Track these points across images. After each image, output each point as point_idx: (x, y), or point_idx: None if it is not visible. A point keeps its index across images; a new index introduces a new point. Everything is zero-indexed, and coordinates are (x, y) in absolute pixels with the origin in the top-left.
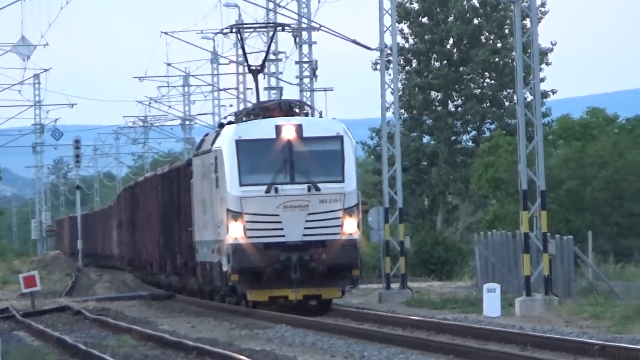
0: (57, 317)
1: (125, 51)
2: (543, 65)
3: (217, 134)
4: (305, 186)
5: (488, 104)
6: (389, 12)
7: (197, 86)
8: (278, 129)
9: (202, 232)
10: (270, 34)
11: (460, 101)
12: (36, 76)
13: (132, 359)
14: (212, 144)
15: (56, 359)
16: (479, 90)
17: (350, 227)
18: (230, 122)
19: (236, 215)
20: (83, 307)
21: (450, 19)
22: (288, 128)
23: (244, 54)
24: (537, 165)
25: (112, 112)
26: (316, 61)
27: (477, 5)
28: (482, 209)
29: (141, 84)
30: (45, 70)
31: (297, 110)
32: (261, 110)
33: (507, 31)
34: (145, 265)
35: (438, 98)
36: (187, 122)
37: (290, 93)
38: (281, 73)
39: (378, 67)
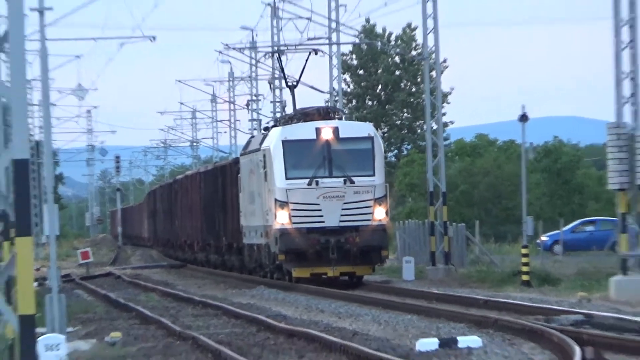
0: (104, 280)
1: (151, 92)
2: (444, 104)
3: (265, 136)
4: (341, 179)
5: (406, 131)
6: (336, 66)
7: (201, 118)
8: (318, 130)
9: (249, 219)
10: (306, 56)
11: (386, 129)
12: (88, 111)
13: (156, 310)
14: (261, 144)
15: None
16: (400, 121)
17: (380, 214)
18: (274, 126)
19: (283, 204)
20: (122, 273)
21: (379, 71)
22: (326, 130)
23: (282, 72)
24: (440, 174)
25: (142, 136)
26: (285, 101)
27: (398, 61)
28: (402, 205)
29: (162, 117)
30: (95, 107)
31: (332, 115)
32: (302, 115)
33: (419, 79)
34: (183, 245)
35: None
36: (194, 144)
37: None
38: (260, 109)
39: (329, 104)
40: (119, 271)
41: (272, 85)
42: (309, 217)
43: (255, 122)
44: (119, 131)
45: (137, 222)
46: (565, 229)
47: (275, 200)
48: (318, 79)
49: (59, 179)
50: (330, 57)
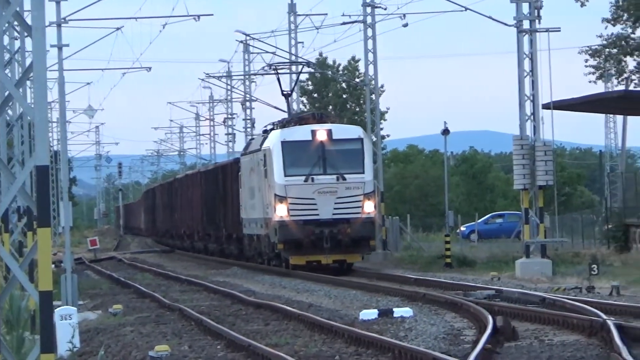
0: (108, 263)
1: (147, 112)
2: (382, 121)
3: (265, 138)
4: (334, 176)
5: None
6: (295, 91)
7: (187, 133)
8: (313, 132)
9: (249, 212)
10: (300, 69)
11: None
12: (96, 127)
13: (150, 287)
14: (261, 145)
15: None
16: None
17: (369, 207)
18: (272, 129)
19: (282, 198)
20: (123, 257)
21: (330, 94)
22: (321, 132)
23: (279, 83)
24: (379, 177)
25: (139, 147)
26: (254, 119)
27: (345, 87)
28: None
29: (156, 131)
30: (102, 123)
31: (325, 119)
32: (298, 119)
33: (362, 101)
34: (182, 235)
35: None
36: (181, 153)
37: (240, 137)
38: (235, 125)
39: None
40: (120, 255)
41: (244, 106)
42: (305, 210)
43: (230, 136)
44: (121, 143)
45: (136, 216)
46: (479, 221)
47: (275, 195)
48: (280, 100)
49: (72, 181)
50: (290, 83)
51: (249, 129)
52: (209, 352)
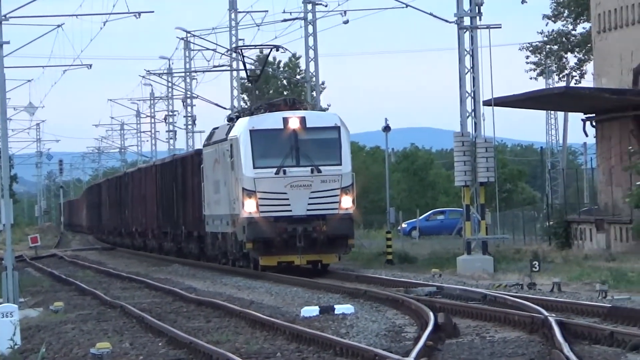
0: (49, 260)
1: (87, 109)
2: None
3: (231, 126)
4: (308, 168)
5: None
6: (236, 87)
7: (128, 130)
8: (285, 120)
9: (213, 208)
10: (268, 52)
11: None
12: (38, 124)
13: (91, 284)
14: (227, 134)
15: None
16: None
17: (347, 203)
18: (238, 117)
19: (250, 193)
20: (64, 254)
21: (271, 91)
22: (293, 120)
23: (245, 67)
24: None
25: (80, 144)
26: (195, 116)
27: (286, 84)
28: None
29: (97, 128)
30: (43, 121)
31: (298, 106)
32: (268, 106)
33: (303, 98)
34: (133, 233)
35: None
36: (122, 150)
37: (181, 134)
38: (176, 122)
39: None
40: (61, 253)
41: (185, 103)
42: (276, 206)
43: (171, 133)
44: (62, 140)
45: (78, 213)
46: (420, 217)
47: (243, 189)
48: (221, 97)
49: (13, 178)
50: (231, 80)
51: (190, 126)
52: (151, 349)
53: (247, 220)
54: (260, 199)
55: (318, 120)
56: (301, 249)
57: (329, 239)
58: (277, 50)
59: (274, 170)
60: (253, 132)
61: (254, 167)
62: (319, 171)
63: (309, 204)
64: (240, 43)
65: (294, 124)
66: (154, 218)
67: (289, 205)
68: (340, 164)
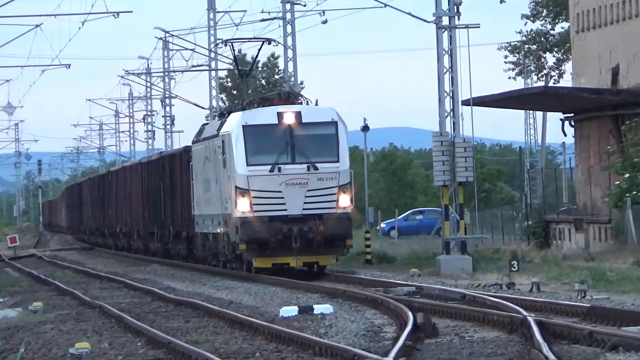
0: (28, 260)
1: (66, 109)
2: None
3: (222, 122)
4: (304, 166)
5: None
6: (215, 87)
7: (106, 130)
8: (280, 115)
9: (203, 207)
10: (259, 45)
11: None
12: (16, 124)
13: (70, 284)
14: (219, 130)
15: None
16: None
17: (345, 201)
18: (230, 112)
19: (244, 191)
20: (43, 254)
21: (249, 91)
22: (288, 114)
23: (235, 60)
24: None
25: (59, 144)
26: (174, 116)
27: (265, 83)
28: None
29: (75, 128)
30: (21, 121)
31: (293, 100)
32: (262, 100)
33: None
34: (117, 234)
35: None
36: (101, 150)
37: (159, 134)
38: (154, 122)
39: (209, 119)
40: (40, 253)
41: (163, 103)
42: (271, 205)
43: (150, 133)
44: (41, 140)
45: (58, 213)
46: (399, 217)
47: (236, 187)
48: (199, 97)
49: None
50: (210, 80)
51: (168, 126)
52: (130, 349)
53: (240, 220)
54: (254, 197)
55: (314, 115)
56: (297, 250)
57: (326, 239)
58: (270, 43)
59: (269, 167)
60: (246, 128)
61: (247, 165)
62: (316, 168)
63: (305, 203)
64: (219, 43)
65: (289, 118)
66: (139, 218)
67: (284, 204)
68: (338, 161)
